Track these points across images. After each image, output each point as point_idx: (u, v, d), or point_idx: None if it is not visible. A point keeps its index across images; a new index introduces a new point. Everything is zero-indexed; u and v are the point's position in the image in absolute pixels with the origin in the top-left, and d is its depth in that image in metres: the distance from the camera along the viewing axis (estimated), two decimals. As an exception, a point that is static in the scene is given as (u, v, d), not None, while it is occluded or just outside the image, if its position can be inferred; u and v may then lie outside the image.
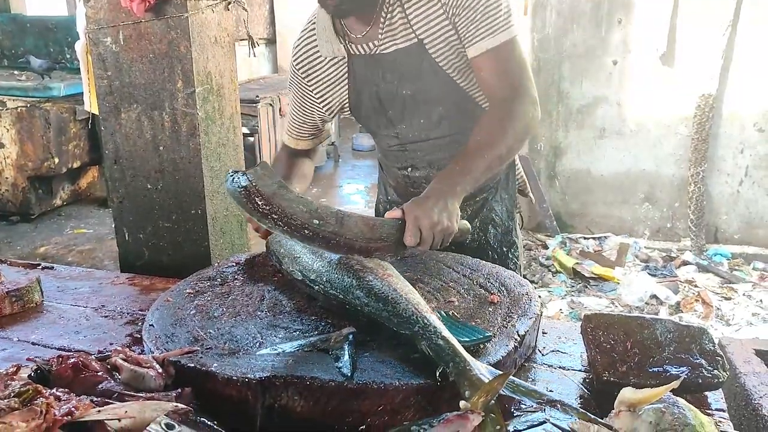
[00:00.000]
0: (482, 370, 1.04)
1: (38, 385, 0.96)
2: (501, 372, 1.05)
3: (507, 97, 1.61)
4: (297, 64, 1.85)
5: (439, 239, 1.41)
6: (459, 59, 1.67)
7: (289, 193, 1.32)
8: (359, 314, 1.26)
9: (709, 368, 1.16)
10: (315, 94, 1.85)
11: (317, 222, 1.29)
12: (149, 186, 2.13)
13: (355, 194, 7.21)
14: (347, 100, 1.81)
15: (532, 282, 4.58)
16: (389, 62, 1.69)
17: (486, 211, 1.92)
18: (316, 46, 1.78)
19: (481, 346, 1.19)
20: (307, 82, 1.84)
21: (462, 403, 0.94)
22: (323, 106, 1.86)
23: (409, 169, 1.89)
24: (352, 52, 1.73)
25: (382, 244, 1.36)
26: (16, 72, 6.29)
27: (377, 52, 1.69)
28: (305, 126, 1.94)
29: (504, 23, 1.60)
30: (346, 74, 1.77)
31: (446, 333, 1.12)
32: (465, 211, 1.83)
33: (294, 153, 1.99)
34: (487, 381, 0.99)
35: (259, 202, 1.29)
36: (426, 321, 1.15)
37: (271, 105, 6.60)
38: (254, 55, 7.57)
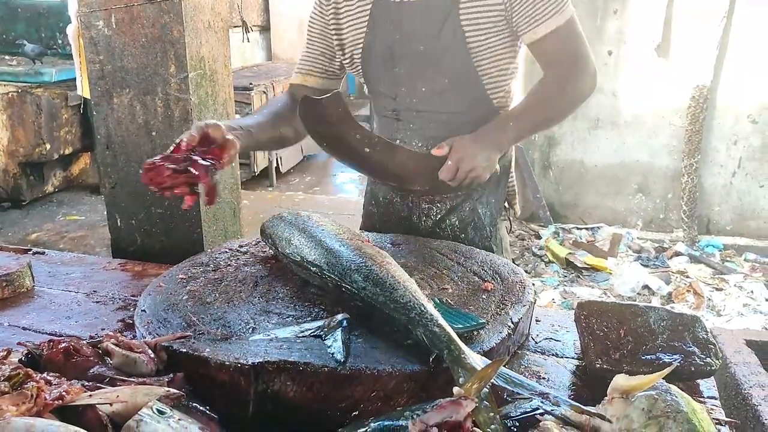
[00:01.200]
0: (476, 359, 1.04)
1: (29, 369, 0.96)
2: (494, 360, 1.05)
3: (571, 65, 1.67)
4: None
5: (468, 182, 1.56)
6: (486, 35, 1.64)
7: (352, 121, 1.52)
8: (355, 298, 1.26)
9: (702, 356, 1.16)
10: (331, 26, 1.79)
11: (368, 150, 1.51)
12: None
13: (348, 183, 7.20)
14: (361, 45, 1.75)
15: (525, 272, 4.58)
16: (413, 11, 1.66)
17: (468, 210, 1.81)
18: None
19: (475, 333, 1.19)
20: (329, 10, 1.78)
21: (455, 389, 0.94)
22: (340, 42, 1.80)
23: (398, 142, 1.79)
24: None
25: (418, 175, 1.59)
26: (7, 57, 6.23)
27: (405, 1, 1.66)
28: (321, 59, 1.85)
29: (565, 2, 1.63)
30: (368, 16, 1.72)
31: (442, 321, 1.12)
32: (444, 204, 1.80)
33: (292, 99, 1.85)
34: (480, 369, 0.99)
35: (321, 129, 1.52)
36: (422, 308, 1.14)
37: (264, 92, 6.58)
38: (248, 41, 7.55)
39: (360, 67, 1.81)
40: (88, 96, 4.82)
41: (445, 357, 1.04)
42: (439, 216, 1.82)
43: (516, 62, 1.75)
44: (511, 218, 1.98)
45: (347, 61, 1.83)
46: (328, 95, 1.50)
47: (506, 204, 1.93)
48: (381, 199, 1.94)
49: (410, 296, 1.18)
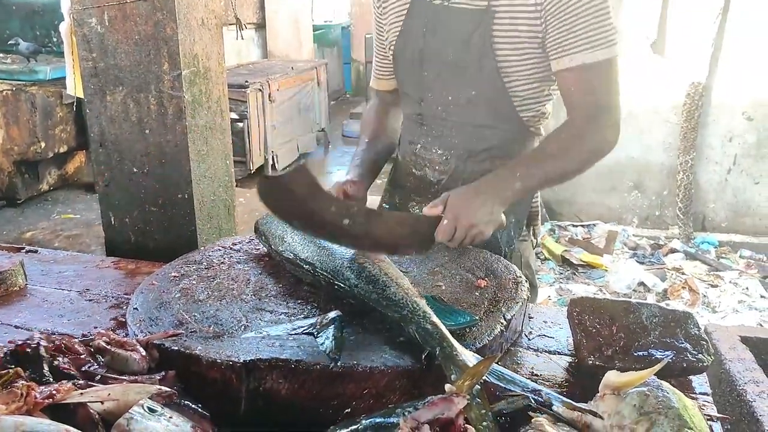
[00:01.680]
0: (468, 356, 1.04)
1: (19, 369, 0.95)
2: (486, 357, 1.05)
3: (590, 115, 1.52)
4: None
5: (469, 241, 1.40)
6: (517, 51, 1.54)
7: (323, 192, 1.29)
8: (348, 296, 1.26)
9: (694, 352, 1.17)
10: (383, 24, 1.77)
11: (348, 221, 1.29)
12: (135, 170, 2.10)
13: (344, 181, 7.18)
14: (394, 42, 1.71)
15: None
16: (448, 16, 1.58)
17: None
18: None
19: (468, 329, 1.19)
20: (380, 8, 1.76)
21: (447, 387, 0.94)
22: (385, 39, 1.77)
23: (419, 146, 1.76)
24: None
25: (411, 241, 1.38)
26: (1, 55, 6.20)
27: (443, 4, 1.58)
28: (386, 62, 1.83)
29: (607, 39, 1.47)
30: (405, 13, 1.67)
31: (434, 318, 1.12)
32: None
33: (382, 104, 1.90)
34: (471, 366, 0.99)
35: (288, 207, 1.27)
36: (415, 305, 1.15)
37: (260, 90, 6.56)
38: (242, 38, 7.53)
39: (392, 65, 1.78)
40: (77, 95, 4.81)
41: (437, 354, 1.04)
42: None
43: (554, 85, 1.63)
44: (533, 239, 1.87)
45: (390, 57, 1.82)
46: (291, 170, 1.30)
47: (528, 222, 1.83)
48: (397, 203, 1.89)
49: (402, 293, 1.18)
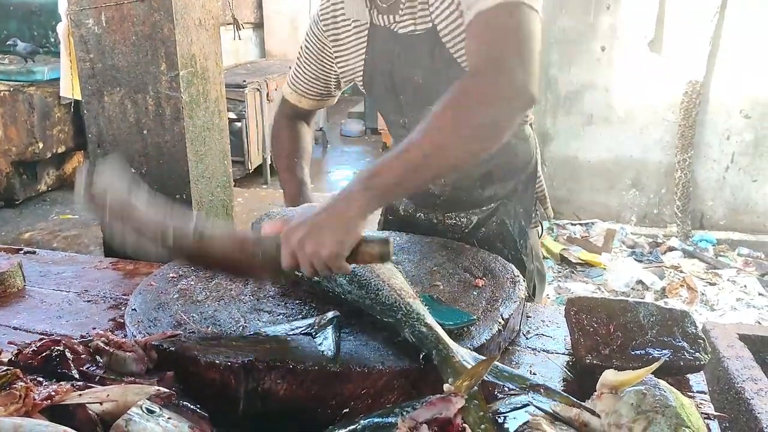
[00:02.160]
0: (466, 356, 1.04)
1: (17, 370, 0.95)
2: (486, 357, 1.05)
3: (479, 70, 1.22)
4: (322, 15, 1.69)
5: (322, 266, 1.10)
6: None
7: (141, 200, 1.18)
8: (343, 301, 1.26)
9: (691, 351, 1.17)
10: (333, 52, 1.71)
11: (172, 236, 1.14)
12: (133, 170, 2.10)
13: (344, 180, 7.20)
14: (361, 72, 1.68)
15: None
16: (405, 44, 1.55)
17: (495, 224, 1.71)
18: (344, 1, 1.64)
19: (465, 329, 1.19)
20: (328, 36, 1.70)
21: (446, 387, 0.94)
22: (339, 68, 1.73)
23: None
24: (374, 21, 1.59)
25: (254, 264, 1.16)
26: (-1, 55, 6.20)
27: (396, 30, 1.54)
28: (317, 83, 1.80)
29: None
30: (365, 43, 1.63)
31: (429, 319, 1.11)
32: (470, 219, 1.72)
33: (294, 121, 1.88)
34: (470, 367, 0.99)
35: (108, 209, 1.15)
36: (409, 308, 1.13)
37: (258, 90, 6.56)
38: (239, 38, 7.52)
39: (365, 91, 1.76)
40: (72, 96, 4.81)
41: (433, 357, 1.04)
42: (466, 231, 1.74)
43: None
44: (542, 222, 1.84)
45: (350, 83, 1.79)
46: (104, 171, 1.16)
47: (535, 208, 1.79)
48: (401, 211, 1.86)
49: (395, 296, 1.17)
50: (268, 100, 6.70)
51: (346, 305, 1.25)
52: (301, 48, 1.79)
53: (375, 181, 1.13)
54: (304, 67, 1.80)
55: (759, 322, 4.09)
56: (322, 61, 1.76)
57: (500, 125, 1.18)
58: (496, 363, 1.02)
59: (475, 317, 1.23)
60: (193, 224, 1.15)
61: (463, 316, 1.21)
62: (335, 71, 1.76)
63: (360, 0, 1.58)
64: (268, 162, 6.90)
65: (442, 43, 1.48)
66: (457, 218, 1.75)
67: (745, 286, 4.62)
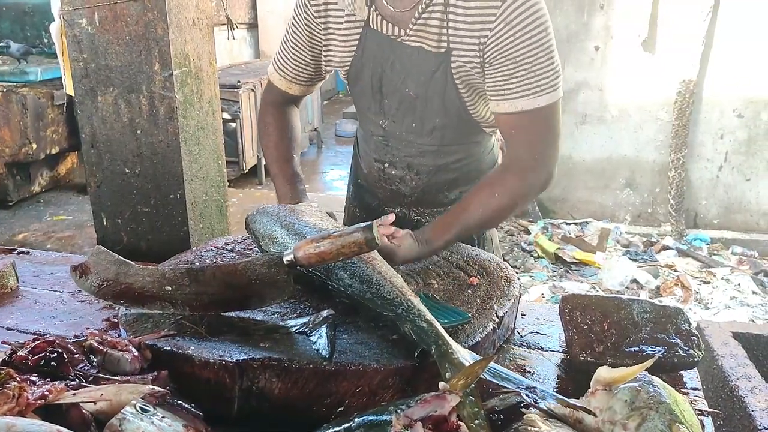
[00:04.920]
0: (464, 354, 1.04)
1: (11, 369, 0.95)
2: (483, 357, 1.05)
3: (525, 167, 1.50)
4: (313, 3, 1.62)
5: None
6: (479, 87, 1.52)
7: (130, 267, 1.26)
8: (342, 295, 1.26)
9: (685, 348, 1.17)
10: (321, 37, 1.65)
11: (169, 288, 1.21)
12: (127, 170, 2.10)
13: (338, 180, 7.20)
14: (348, 67, 1.64)
15: (514, 267, 4.61)
16: (406, 55, 1.53)
17: None
18: None
19: (460, 327, 1.19)
20: (319, 22, 1.63)
21: (441, 384, 0.94)
22: (325, 57, 1.69)
23: (386, 164, 1.76)
24: (373, 25, 1.54)
25: (258, 287, 1.22)
26: (-8, 56, 6.18)
27: (399, 40, 1.52)
28: (307, 68, 1.73)
29: (549, 84, 1.43)
30: (358, 39, 1.59)
31: (429, 316, 1.12)
32: (433, 215, 1.77)
33: (282, 108, 1.82)
34: (467, 365, 0.99)
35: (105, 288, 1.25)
36: (410, 303, 1.15)
37: (252, 90, 6.55)
38: (233, 38, 7.52)
39: (347, 83, 1.74)
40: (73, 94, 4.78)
41: (432, 352, 1.04)
42: None
43: None
44: None
45: (331, 71, 1.77)
46: (90, 255, 1.29)
47: None
48: (367, 203, 1.90)
49: (396, 292, 1.18)
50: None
51: (341, 304, 1.25)
52: (288, 32, 1.73)
53: (450, 236, 1.49)
54: (293, 51, 1.72)
55: (753, 321, 4.11)
56: (312, 46, 1.69)
57: (530, 200, 1.64)
58: (493, 364, 1.02)
59: (469, 315, 1.23)
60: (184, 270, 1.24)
61: (458, 315, 1.22)
62: (321, 59, 1.71)
63: None
64: (263, 162, 6.90)
65: (450, 65, 1.49)
66: (422, 215, 1.80)
67: (739, 284, 4.64)
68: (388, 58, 1.56)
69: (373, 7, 1.53)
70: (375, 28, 1.55)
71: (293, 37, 1.71)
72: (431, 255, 1.49)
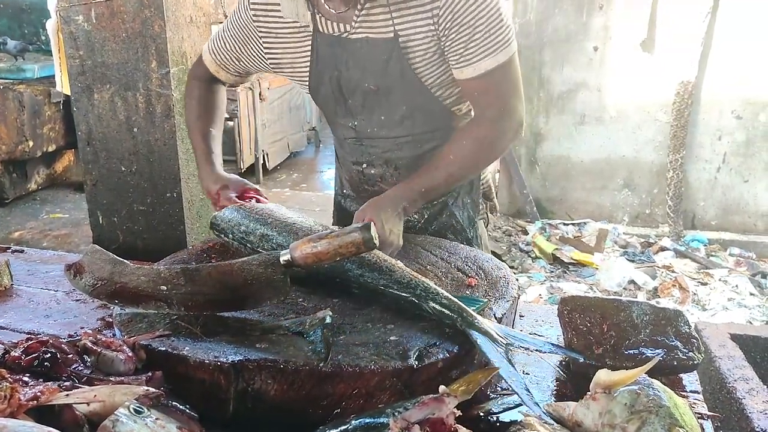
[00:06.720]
0: (487, 323, 1.11)
1: (2, 370, 0.94)
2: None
3: (494, 117, 1.54)
4: (253, 7, 1.62)
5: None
6: (435, 66, 1.54)
7: (125, 266, 1.26)
8: (352, 287, 1.28)
9: (685, 350, 1.16)
10: (263, 44, 1.65)
11: (164, 288, 1.20)
12: (123, 168, 2.09)
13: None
14: (307, 78, 1.64)
15: (511, 268, 4.60)
16: (356, 49, 1.54)
17: (445, 216, 1.79)
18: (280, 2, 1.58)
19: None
20: (258, 27, 1.63)
21: (441, 388, 0.93)
22: (270, 64, 1.68)
23: (364, 165, 1.76)
24: (321, 29, 1.55)
25: (255, 287, 1.21)
26: (-12, 53, 6.16)
27: (346, 37, 1.53)
28: (236, 63, 1.74)
29: (505, 40, 1.48)
30: (309, 48, 1.59)
31: (447, 293, 1.17)
32: (422, 214, 1.77)
33: (209, 85, 1.81)
34: (493, 332, 1.10)
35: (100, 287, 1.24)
36: (426, 284, 1.20)
37: (250, 89, 6.54)
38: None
39: (311, 96, 1.73)
40: (68, 92, 4.76)
41: (459, 324, 1.11)
42: (419, 225, 1.78)
43: None
44: (488, 213, 1.94)
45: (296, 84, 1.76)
46: (86, 252, 1.29)
47: (483, 200, 1.88)
48: (352, 212, 1.88)
49: (410, 275, 1.22)
50: (260, 99, 6.68)
51: (338, 305, 1.24)
52: (228, 21, 1.72)
53: (420, 194, 1.51)
54: (228, 42, 1.72)
55: (750, 322, 4.10)
56: (246, 45, 1.68)
57: (504, 151, 1.67)
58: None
59: (485, 300, 1.25)
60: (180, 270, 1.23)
61: (474, 302, 1.23)
62: (261, 59, 1.70)
63: (302, 3, 1.53)
64: (261, 162, 6.89)
65: (400, 50, 1.51)
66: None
67: (737, 285, 4.64)
68: (342, 57, 1.57)
69: (318, 12, 1.54)
70: (322, 30, 1.56)
71: (230, 30, 1.70)
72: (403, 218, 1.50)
